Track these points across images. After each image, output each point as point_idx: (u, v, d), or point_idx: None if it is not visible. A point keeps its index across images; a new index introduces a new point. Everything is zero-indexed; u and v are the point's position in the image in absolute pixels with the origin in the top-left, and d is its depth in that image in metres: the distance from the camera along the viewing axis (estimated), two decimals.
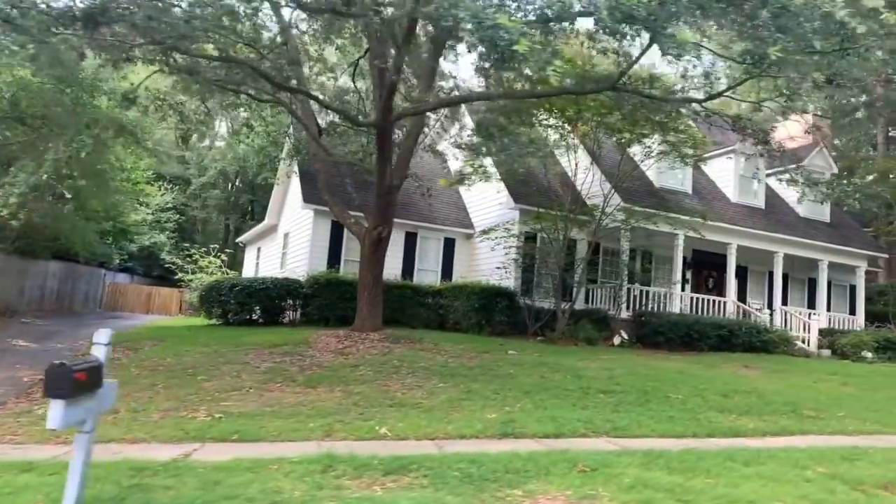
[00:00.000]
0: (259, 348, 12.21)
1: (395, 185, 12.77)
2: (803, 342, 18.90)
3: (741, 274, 22.22)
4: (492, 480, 5.45)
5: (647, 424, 8.22)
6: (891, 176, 24.23)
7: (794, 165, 21.05)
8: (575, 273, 17.55)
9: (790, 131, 24.74)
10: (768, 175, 22.75)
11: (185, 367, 10.78)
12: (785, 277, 22.91)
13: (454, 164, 20.86)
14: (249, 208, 42.47)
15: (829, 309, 23.42)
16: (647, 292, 18.87)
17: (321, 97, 12.91)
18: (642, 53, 9.42)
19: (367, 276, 13.60)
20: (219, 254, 27.82)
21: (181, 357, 11.62)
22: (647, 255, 20.52)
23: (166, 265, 27.89)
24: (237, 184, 42.54)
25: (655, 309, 18.40)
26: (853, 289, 24.25)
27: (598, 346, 15.76)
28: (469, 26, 5.40)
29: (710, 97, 10.96)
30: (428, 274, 20.52)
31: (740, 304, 19.13)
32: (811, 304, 22.89)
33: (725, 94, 11.56)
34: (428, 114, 14.16)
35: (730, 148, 20.52)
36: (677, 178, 19.45)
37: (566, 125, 17.05)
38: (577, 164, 17.99)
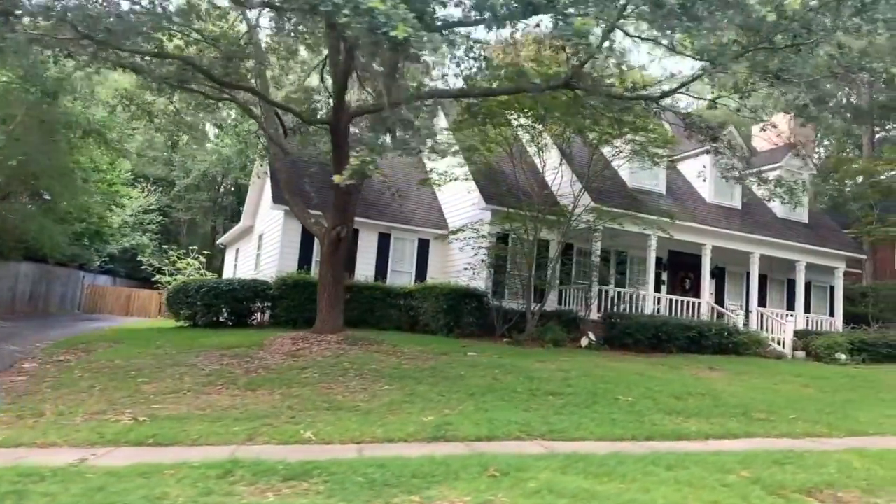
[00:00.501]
0: (212, 350, 12.01)
1: (353, 185, 12.54)
2: (778, 344, 18.72)
3: (719, 275, 22.08)
4: (393, 486, 5.26)
5: (586, 427, 8.03)
6: (882, 177, 24.00)
7: (772, 166, 20.96)
8: (546, 274, 17.37)
9: (769, 132, 24.68)
10: (748, 174, 22.60)
11: (131, 369, 10.59)
12: (763, 278, 22.77)
13: (430, 163, 20.73)
14: (238, 210, 42.29)
15: (808, 310, 23.26)
16: (620, 293, 18.69)
17: (270, 95, 12.66)
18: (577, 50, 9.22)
19: (326, 277, 13.41)
20: (197, 255, 27.63)
21: (131, 359, 11.42)
22: (622, 256, 20.36)
23: (143, 267, 27.67)
24: (223, 186, 42.36)
25: (629, 310, 18.20)
26: (833, 290, 24.10)
27: (566, 347, 15.55)
28: (346, 11, 5.21)
29: (664, 94, 10.80)
30: (402, 275, 20.33)
31: (715, 305, 18.94)
32: (790, 306, 22.70)
33: (679, 91, 11.39)
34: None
35: (704, 148, 20.29)
36: (651, 179, 19.26)
37: (536, 125, 16.89)
38: (544, 164, 17.80)
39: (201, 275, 26.40)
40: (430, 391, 9.52)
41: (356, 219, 19.80)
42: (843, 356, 17.33)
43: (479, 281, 17.31)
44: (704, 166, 19.89)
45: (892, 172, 21.03)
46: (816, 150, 38.02)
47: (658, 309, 18.87)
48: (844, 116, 35.52)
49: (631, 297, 18.63)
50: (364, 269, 19.83)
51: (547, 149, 18.66)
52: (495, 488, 5.26)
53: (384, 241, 20.35)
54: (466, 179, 17.52)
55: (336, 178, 7.98)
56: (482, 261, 16.91)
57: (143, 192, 35.75)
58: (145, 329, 18.18)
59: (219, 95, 12.21)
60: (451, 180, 17.61)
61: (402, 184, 21.55)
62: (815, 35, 8.89)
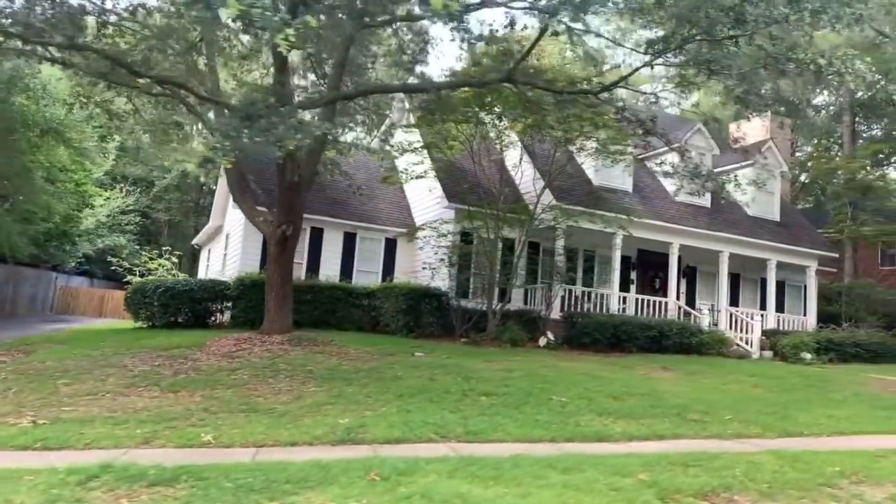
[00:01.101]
0: (151, 351, 11.77)
1: (296, 182, 12.33)
2: (746, 343, 18.51)
3: (690, 274, 21.88)
4: (259, 491, 5.03)
5: (505, 428, 7.79)
6: (857, 176, 23.74)
7: (741, 165, 20.76)
8: (510, 273, 17.15)
9: (744, 129, 24.49)
10: (720, 173, 22.39)
11: (58, 370, 10.33)
12: (736, 278, 22.59)
13: (400, 163, 20.47)
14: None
15: (782, 310, 23.06)
16: (586, 293, 18.49)
17: (221, 90, 12.39)
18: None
19: (273, 276, 13.17)
20: (169, 256, 27.33)
21: (63, 360, 11.16)
22: (589, 256, 20.15)
23: (114, 267, 27.37)
24: (204, 186, 42.04)
25: (594, 310, 17.99)
26: (807, 289, 23.88)
27: (524, 347, 15.32)
28: None
29: (604, 89, 10.56)
30: (369, 275, 20.05)
31: (681, 304, 18.71)
32: (763, 305, 22.50)
33: (619, 84, 11.16)
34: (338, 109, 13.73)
35: (674, 145, 20.07)
36: (616, 177, 19.04)
37: (497, 122, 16.67)
38: (507, 162, 17.57)
39: (173, 275, 26.09)
40: (358, 392, 9.29)
41: (321, 218, 19.78)
42: (809, 356, 17.11)
43: (441, 280, 17.07)
44: (672, 165, 19.65)
45: (864, 171, 20.76)
46: (803, 148, 37.86)
47: (624, 308, 18.66)
48: (825, 113, 35.43)
49: (596, 297, 18.43)
50: (329, 269, 19.59)
51: (513, 146, 18.47)
52: (367, 493, 5.03)
53: (350, 241, 20.10)
54: (422, 177, 17.23)
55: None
56: (441, 260, 16.66)
57: (121, 192, 35.45)
58: (103, 330, 17.92)
59: (150, 89, 11.93)
60: (413, 178, 17.36)
61: (369, 182, 21.33)
62: (749, 26, 8.67)
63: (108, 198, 34.15)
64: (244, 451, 6.58)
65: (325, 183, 20.34)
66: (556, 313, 17.00)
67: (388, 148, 16.80)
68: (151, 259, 26.81)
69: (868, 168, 21.72)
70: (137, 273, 26.56)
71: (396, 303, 16.38)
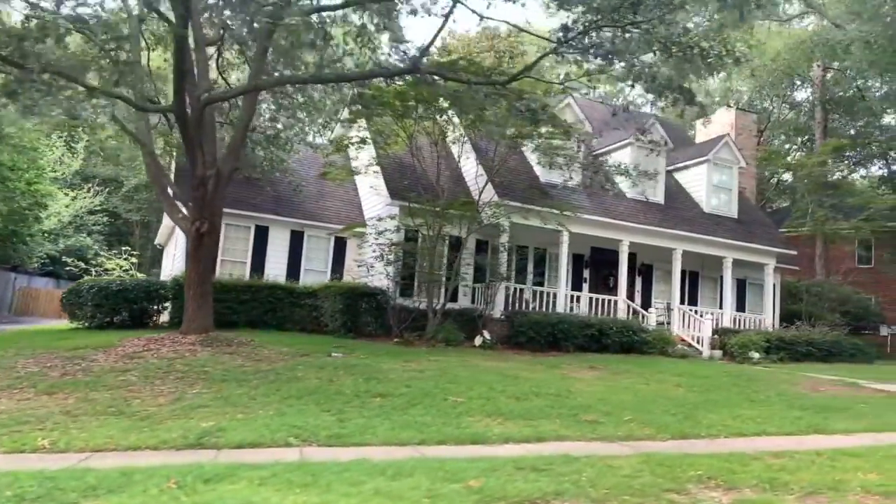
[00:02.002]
0: (55, 352, 11.42)
1: (208, 176, 11.96)
2: (697, 342, 18.19)
3: (646, 272, 21.55)
4: (36, 500, 4.68)
5: (376, 431, 7.43)
6: (812, 172, 23.37)
7: (697, 161, 20.42)
8: (455, 271, 16.81)
9: (710, 126, 24.16)
10: (675, 170, 22.11)
11: None
12: (695, 276, 22.29)
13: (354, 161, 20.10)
14: None
15: (743, 309, 22.79)
16: (536, 292, 18.15)
17: (142, 85, 12.02)
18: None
19: (191, 275, 12.80)
20: (129, 256, 26.97)
21: None
22: (540, 253, 19.82)
23: (68, 268, 26.97)
24: None
25: (540, 309, 17.66)
26: (772, 287, 23.56)
27: (459, 347, 14.99)
28: None
29: (512, 78, 10.21)
30: (316, 274, 19.72)
31: (630, 302, 18.36)
32: (722, 303, 22.19)
33: (526, 74, 10.81)
34: (261, 100, 13.38)
35: (626, 141, 19.79)
36: (565, 173, 18.65)
37: (437, 117, 16.33)
38: (446, 158, 17.23)
39: (131, 276, 25.73)
40: (244, 395, 8.93)
41: (266, 216, 19.44)
42: (757, 355, 16.79)
43: (386, 280, 16.70)
44: (620, 162, 19.37)
45: (819, 167, 20.39)
46: (784, 146, 37.51)
47: (572, 307, 18.37)
48: (799, 111, 35.13)
49: (544, 296, 18.08)
50: (274, 269, 19.25)
51: (460, 142, 18.16)
52: (150, 502, 4.67)
53: (297, 240, 19.76)
54: (358, 173, 16.85)
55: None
56: (379, 258, 16.31)
57: (89, 192, 35.08)
58: (40, 331, 17.62)
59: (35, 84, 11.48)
60: (352, 175, 16.99)
61: (321, 180, 21.01)
62: (648, 11, 8.34)
63: (74, 197, 33.78)
64: (76, 456, 6.22)
65: (274, 180, 20.05)
66: (499, 312, 16.64)
67: (326, 143, 16.42)
68: (109, 259, 26.46)
69: (829, 164, 21.32)
70: (94, 273, 26.20)
71: (334, 303, 16.07)
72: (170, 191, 13.84)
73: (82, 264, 25.83)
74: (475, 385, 10.15)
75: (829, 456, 7.18)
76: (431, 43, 9.99)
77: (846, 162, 34.22)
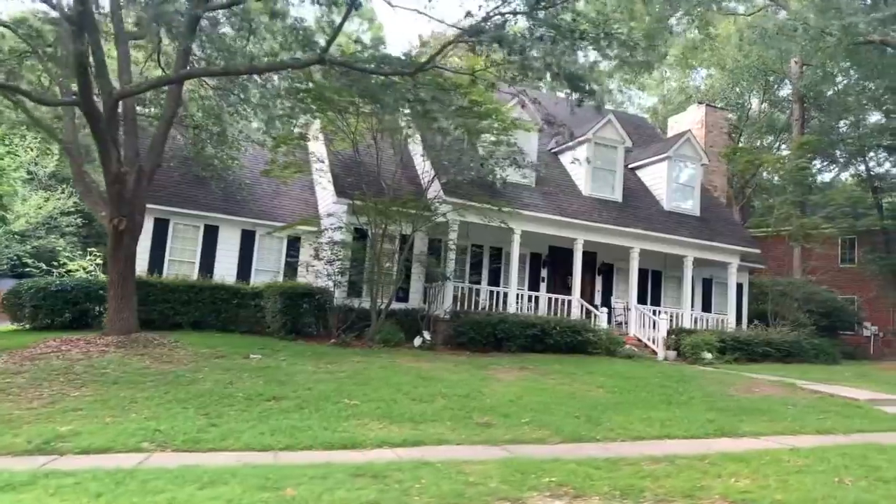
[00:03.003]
0: None
1: (123, 172, 11.62)
2: (653, 342, 17.82)
3: (607, 272, 21.18)
4: None
5: (241, 436, 7.08)
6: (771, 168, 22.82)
7: (659, 157, 20.06)
8: (399, 270, 16.47)
9: (681, 123, 23.79)
10: (638, 168, 21.74)
11: None
12: (658, 275, 21.91)
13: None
14: None
15: (709, 308, 22.42)
16: (490, 292, 17.78)
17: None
18: None
19: (113, 275, 12.46)
20: (95, 256, 26.67)
21: None
22: (496, 253, 19.45)
23: (28, 269, 26.63)
24: None
25: (491, 308, 17.29)
26: (739, 287, 23.17)
27: (398, 348, 14.63)
28: None
29: (419, 69, 9.85)
30: (269, 275, 19.34)
31: (583, 302, 17.98)
32: (683, 303, 21.80)
33: (434, 64, 10.45)
34: (203, 97, 13.06)
35: (583, 138, 19.42)
36: (520, 171, 18.28)
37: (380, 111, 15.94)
38: (380, 156, 16.83)
39: (93, 277, 25.40)
40: (128, 397, 8.58)
41: (215, 215, 19.07)
42: (709, 355, 16.40)
43: (325, 279, 16.35)
44: (576, 160, 19.04)
45: (781, 164, 19.96)
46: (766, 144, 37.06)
47: (530, 307, 18.02)
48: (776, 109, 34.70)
49: (498, 295, 17.71)
50: (225, 269, 18.90)
51: (412, 139, 17.82)
52: None
53: (248, 239, 19.38)
54: (300, 171, 16.49)
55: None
56: (317, 257, 15.97)
57: (63, 193, 34.78)
58: None
59: None
60: (295, 172, 16.64)
61: (273, 179, 20.63)
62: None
63: (47, 199, 33.49)
64: None
65: (227, 179, 19.69)
66: (445, 312, 16.27)
67: (268, 139, 16.07)
68: (71, 260, 26.16)
69: (793, 161, 20.89)
70: (55, 275, 25.91)
71: (275, 303, 15.72)
72: (93, 187, 13.51)
73: (43, 265, 25.52)
74: (383, 387, 9.79)
75: (713, 461, 6.83)
76: (336, 34, 9.63)
77: (820, 160, 33.83)
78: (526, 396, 9.94)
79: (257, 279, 18.90)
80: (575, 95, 10.53)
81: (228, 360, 11.36)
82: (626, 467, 6.40)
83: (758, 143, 36.36)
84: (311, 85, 13.54)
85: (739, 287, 23.12)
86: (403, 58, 10.33)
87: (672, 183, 20.43)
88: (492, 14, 8.73)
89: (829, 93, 29.54)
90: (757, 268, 23.64)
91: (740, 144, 31.92)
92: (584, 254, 20.07)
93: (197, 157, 18.61)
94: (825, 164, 35.15)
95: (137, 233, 12.77)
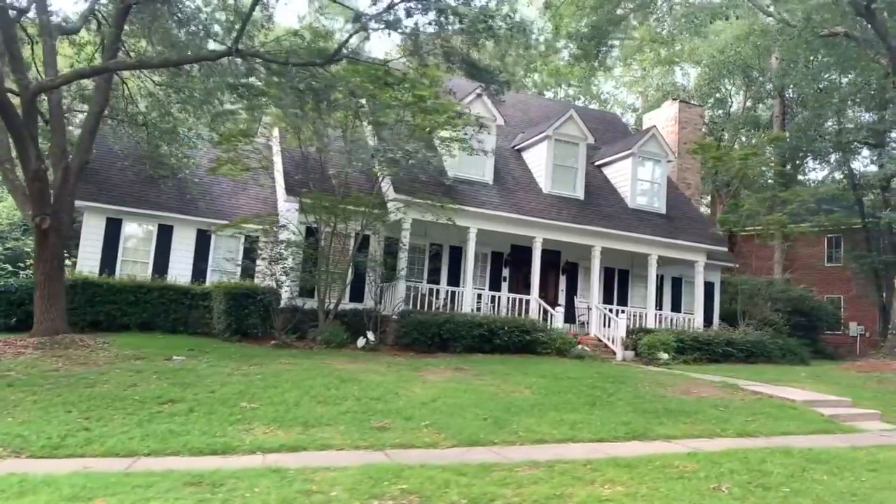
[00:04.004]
0: None
1: (44, 169, 11.33)
2: (612, 342, 17.45)
3: (571, 271, 20.80)
4: None
5: (106, 441, 6.79)
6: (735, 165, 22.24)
7: (622, 154, 19.70)
8: (346, 270, 16.13)
9: (655, 119, 23.40)
10: (604, 165, 21.37)
11: None
12: (624, 274, 21.54)
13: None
14: None
15: (679, 308, 22.07)
16: (448, 291, 17.42)
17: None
18: None
19: (38, 275, 12.17)
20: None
21: None
22: (456, 252, 19.10)
23: None
24: None
25: (446, 308, 16.95)
26: (709, 286, 22.78)
27: (342, 349, 14.29)
28: None
29: (328, 60, 9.53)
30: (226, 276, 19.01)
31: (541, 301, 17.60)
32: (658, 303, 21.42)
33: (343, 55, 10.12)
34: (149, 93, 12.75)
35: (543, 135, 19.07)
36: (475, 168, 17.95)
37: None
38: (321, 153, 16.46)
39: None
40: (16, 400, 8.30)
41: (169, 215, 18.76)
42: (665, 356, 16.01)
43: (269, 279, 16.02)
44: (545, 149, 18.69)
45: (745, 160, 19.50)
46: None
47: (483, 306, 17.69)
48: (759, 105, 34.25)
49: (457, 295, 17.34)
50: (179, 270, 18.61)
51: (369, 136, 17.49)
52: None
53: (204, 239, 19.06)
54: (247, 169, 16.12)
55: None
56: (263, 258, 15.67)
57: None
58: None
59: None
60: (242, 171, 16.30)
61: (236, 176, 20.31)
62: None
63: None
64: None
65: (184, 178, 19.36)
66: (394, 312, 15.92)
67: (215, 135, 15.73)
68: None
69: (758, 157, 20.43)
70: (22, 276, 25.63)
71: (220, 304, 15.42)
72: (18, 184, 13.17)
73: (9, 266, 25.23)
74: (293, 390, 9.44)
75: (597, 466, 6.48)
76: (245, 25, 9.31)
77: (812, 159, 33.37)
78: (443, 398, 9.57)
79: (214, 280, 18.59)
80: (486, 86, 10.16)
81: (147, 362, 11.03)
82: (497, 473, 6.05)
83: (741, 141, 35.96)
84: (251, 80, 13.21)
85: (711, 286, 22.75)
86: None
87: (636, 180, 20.05)
88: (396, 1, 8.41)
89: (809, 89, 29.11)
90: (729, 266, 23.23)
91: (723, 142, 31.50)
92: (548, 252, 19.74)
93: (151, 156, 18.31)
94: (817, 163, 34.74)
95: (65, 232, 12.47)
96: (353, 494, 5.24)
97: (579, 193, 19.26)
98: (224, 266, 19.28)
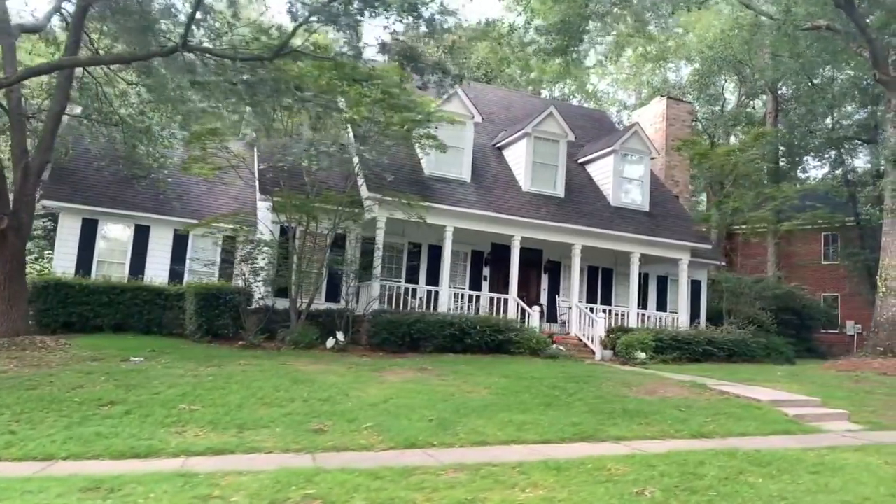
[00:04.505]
0: None
1: (1, 168, 11.18)
2: (592, 341, 17.22)
3: (553, 270, 20.58)
4: None
5: (28, 444, 6.65)
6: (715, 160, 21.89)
7: (604, 152, 19.48)
8: (319, 270, 15.95)
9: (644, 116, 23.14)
10: (587, 162, 21.14)
11: None
12: (608, 273, 21.31)
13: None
14: None
15: (664, 307, 21.83)
16: (428, 291, 17.23)
17: None
18: None
19: None
20: (43, 258, 26.32)
21: None
22: (436, 251, 18.88)
23: None
24: None
25: (424, 308, 16.76)
26: (696, 284, 22.52)
27: (311, 349, 14.09)
28: None
29: (275, 54, 9.34)
30: (204, 276, 18.87)
31: (519, 301, 17.37)
32: (642, 302, 21.19)
33: (290, 49, 9.92)
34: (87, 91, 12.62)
35: (522, 132, 18.86)
36: (453, 166, 17.76)
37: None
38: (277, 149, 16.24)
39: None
40: None
41: (145, 215, 18.61)
42: (643, 355, 15.76)
43: (239, 279, 15.86)
44: (524, 147, 18.47)
45: (727, 156, 19.18)
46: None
47: (463, 306, 17.50)
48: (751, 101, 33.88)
49: (434, 295, 17.13)
50: (156, 270, 18.46)
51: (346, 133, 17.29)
52: None
53: (181, 240, 18.90)
54: (218, 169, 15.93)
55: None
56: (233, 258, 15.49)
57: None
58: None
59: None
60: (214, 170, 16.12)
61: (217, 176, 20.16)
62: None
63: None
64: None
65: (161, 178, 19.20)
66: (367, 312, 15.73)
67: (187, 133, 15.58)
68: (37, 260, 25.82)
69: (748, 154, 20.10)
70: None
71: (191, 304, 15.28)
72: None
73: None
74: (241, 391, 9.26)
75: (525, 469, 6.27)
76: (191, 21, 9.13)
77: (812, 158, 32.98)
78: (395, 399, 9.37)
79: (192, 281, 18.43)
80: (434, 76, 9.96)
81: (102, 364, 10.86)
82: (417, 477, 5.85)
83: (738, 137, 35.59)
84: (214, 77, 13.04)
85: (698, 285, 22.48)
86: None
87: (618, 177, 19.80)
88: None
89: (803, 85, 28.75)
90: (717, 264, 22.94)
91: (716, 140, 31.15)
92: (529, 251, 19.55)
93: (127, 156, 18.18)
94: (816, 160, 34.32)
95: (25, 232, 12.36)
96: (255, 500, 5.05)
97: (559, 191, 19.02)
98: (201, 267, 19.16)
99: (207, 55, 9.79)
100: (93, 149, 18.93)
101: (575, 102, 40.81)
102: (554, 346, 15.55)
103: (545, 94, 44.35)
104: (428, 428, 8.00)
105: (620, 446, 7.74)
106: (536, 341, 15.20)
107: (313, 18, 8.99)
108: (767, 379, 13.41)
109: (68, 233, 17.97)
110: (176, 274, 18.73)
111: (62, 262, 17.78)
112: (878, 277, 18.37)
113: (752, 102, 34.18)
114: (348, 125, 16.34)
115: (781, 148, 29.32)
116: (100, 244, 18.25)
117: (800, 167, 34.51)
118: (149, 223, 18.65)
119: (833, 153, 30.65)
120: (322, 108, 11.63)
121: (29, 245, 27.91)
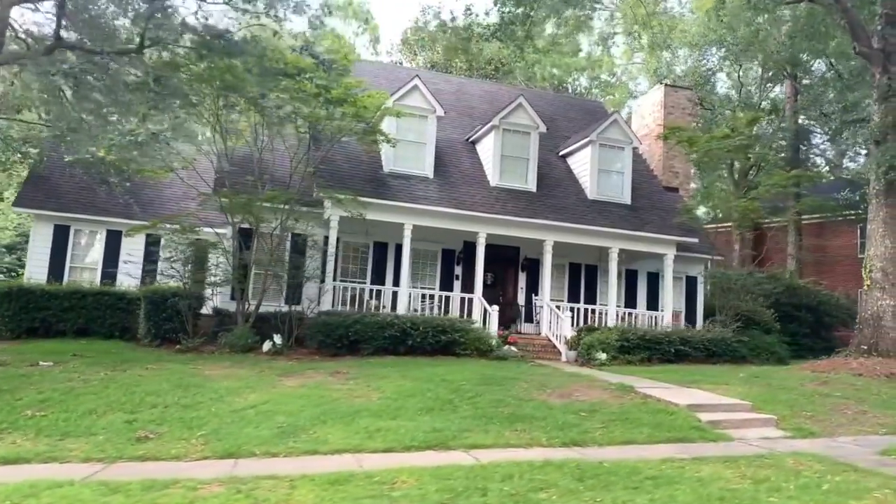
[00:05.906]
0: None
1: None
2: (559, 341, 16.40)
3: (532, 268, 19.75)
4: None
5: None
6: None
7: (582, 142, 18.60)
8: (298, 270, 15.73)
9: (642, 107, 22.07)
10: (568, 154, 20.25)
11: None
12: (592, 270, 20.34)
13: None
14: None
15: (656, 306, 20.63)
16: (394, 292, 16.75)
17: None
18: None
19: None
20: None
21: None
22: (399, 249, 18.35)
23: None
24: None
25: (383, 309, 16.29)
26: (692, 280, 21.31)
27: (246, 353, 13.77)
28: None
29: (139, 48, 9.02)
30: (173, 279, 18.81)
31: (483, 301, 16.64)
32: (630, 301, 20.18)
33: (167, 41, 9.57)
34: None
35: (490, 125, 18.15)
36: (415, 162, 17.21)
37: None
38: (260, 150, 16.04)
39: None
40: None
41: (117, 220, 18.72)
42: (604, 356, 14.83)
43: (174, 280, 15.75)
44: (493, 140, 17.80)
45: (716, 141, 17.84)
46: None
47: (432, 307, 16.92)
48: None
49: (397, 296, 16.61)
50: (129, 276, 18.53)
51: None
52: None
53: (152, 244, 18.94)
54: (171, 169, 15.83)
55: None
56: (174, 260, 15.40)
57: None
58: None
59: None
60: (167, 171, 16.04)
61: (189, 179, 20.18)
62: None
63: None
64: None
65: (134, 182, 19.28)
66: (311, 313, 15.33)
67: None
68: None
69: (737, 140, 18.72)
70: None
71: (142, 308, 15.24)
72: None
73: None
74: (110, 396, 8.98)
75: (295, 483, 5.71)
76: (60, 16, 8.94)
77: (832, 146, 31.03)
78: (267, 405, 8.90)
79: (163, 284, 18.43)
80: None
81: (8, 369, 10.76)
82: (171, 490, 5.38)
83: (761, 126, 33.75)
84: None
85: (693, 280, 21.27)
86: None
87: (597, 169, 18.84)
88: None
89: (815, 67, 27.05)
90: (712, 259, 21.60)
91: (724, 127, 29.58)
92: (506, 249, 18.88)
93: (94, 161, 18.25)
94: (847, 149, 32.26)
95: None
96: None
97: (531, 185, 18.22)
98: (174, 271, 19.14)
99: (79, 50, 9.56)
100: (65, 157, 19.13)
101: (590, 97, 39.65)
102: (506, 347, 14.79)
103: (568, 89, 43.35)
104: (270, 436, 7.51)
105: (466, 455, 7.08)
106: (481, 342, 14.47)
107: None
108: (725, 381, 12.30)
109: (41, 240, 18.23)
110: (148, 278, 18.78)
111: (35, 269, 18.03)
112: (862, 269, 16.88)
113: (771, 88, 32.32)
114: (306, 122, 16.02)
115: (808, 122, 27.33)
116: (72, 250, 18.46)
117: (818, 155, 32.54)
118: (120, 228, 18.74)
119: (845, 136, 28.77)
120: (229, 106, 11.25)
121: (7, 260, 28.70)
